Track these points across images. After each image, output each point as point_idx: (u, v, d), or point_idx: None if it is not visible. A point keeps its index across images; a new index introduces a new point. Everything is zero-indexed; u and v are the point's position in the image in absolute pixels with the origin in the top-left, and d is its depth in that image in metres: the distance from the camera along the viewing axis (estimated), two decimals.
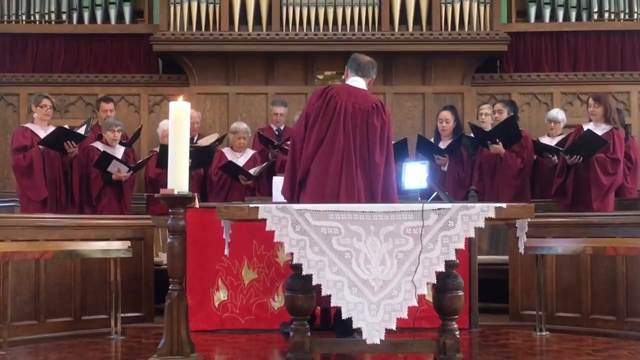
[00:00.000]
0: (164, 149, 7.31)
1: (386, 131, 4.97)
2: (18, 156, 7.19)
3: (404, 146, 7.56)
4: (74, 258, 5.54)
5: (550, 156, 7.50)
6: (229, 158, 7.81)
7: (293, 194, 4.97)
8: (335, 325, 5.00)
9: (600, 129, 6.99)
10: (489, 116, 7.97)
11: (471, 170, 7.64)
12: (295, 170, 4.99)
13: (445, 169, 7.55)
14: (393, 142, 7.59)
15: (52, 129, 7.23)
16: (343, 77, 5.32)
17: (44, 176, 7.16)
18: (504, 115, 7.60)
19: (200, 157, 7.39)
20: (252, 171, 7.62)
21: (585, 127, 7.11)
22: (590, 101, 7.12)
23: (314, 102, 5.00)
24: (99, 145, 7.47)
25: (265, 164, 7.77)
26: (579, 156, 6.88)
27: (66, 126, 7.34)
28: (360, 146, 4.91)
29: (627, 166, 7.50)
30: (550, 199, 7.21)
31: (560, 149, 7.27)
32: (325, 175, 4.87)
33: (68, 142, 7.10)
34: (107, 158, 7.24)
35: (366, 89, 5.09)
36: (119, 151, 7.49)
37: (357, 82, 5.07)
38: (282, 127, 8.41)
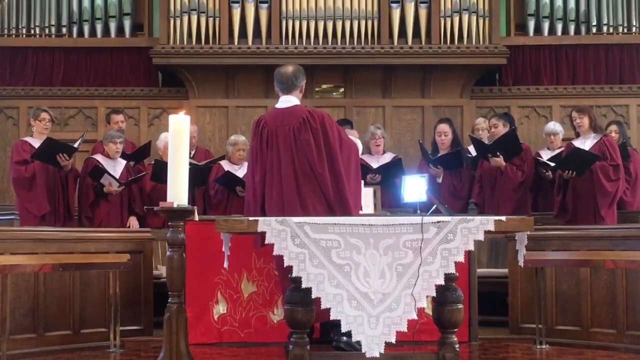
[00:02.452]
0: (158, 164, 7.33)
1: (321, 139, 4.91)
2: (20, 168, 7.19)
3: (399, 164, 7.58)
4: (73, 271, 5.53)
5: (544, 171, 7.53)
6: (227, 170, 7.79)
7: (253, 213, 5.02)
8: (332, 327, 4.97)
9: (590, 140, 7.14)
10: (484, 130, 7.98)
11: (468, 181, 7.64)
12: (251, 197, 5.09)
13: (440, 180, 7.55)
14: (389, 161, 7.69)
15: None
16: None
17: (45, 190, 7.16)
18: (500, 129, 7.63)
19: (195, 176, 7.37)
20: None
21: (575, 143, 7.20)
22: (574, 114, 7.29)
23: (252, 136, 5.10)
24: (99, 157, 7.48)
25: None
26: (572, 171, 6.96)
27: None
28: (301, 165, 4.91)
29: (626, 179, 7.54)
30: (551, 213, 7.23)
31: (552, 164, 7.31)
32: (275, 204, 4.91)
33: (60, 155, 7.10)
34: (100, 171, 7.25)
35: (298, 102, 5.10)
36: (120, 164, 7.49)
37: (285, 100, 5.10)
38: None
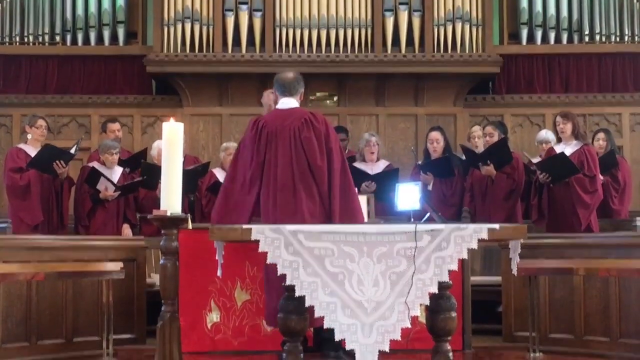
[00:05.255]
0: (147, 167, 7.30)
1: (323, 139, 4.93)
2: (14, 176, 7.16)
3: (395, 175, 7.55)
4: (65, 279, 5.51)
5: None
6: (220, 178, 7.78)
7: (222, 218, 4.95)
8: (322, 342, 4.97)
9: (571, 147, 7.08)
10: (481, 138, 7.99)
11: (459, 188, 7.63)
12: (228, 198, 5.00)
13: (430, 187, 7.55)
14: (386, 170, 7.67)
15: None
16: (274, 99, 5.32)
17: (40, 199, 7.13)
18: (495, 138, 7.63)
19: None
20: None
21: (556, 149, 7.17)
22: (558, 119, 7.21)
23: (248, 133, 5.04)
24: (95, 164, 7.46)
25: None
26: (548, 175, 6.93)
27: None
28: (299, 166, 4.90)
29: (614, 188, 7.54)
30: (532, 222, 7.21)
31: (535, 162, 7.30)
32: (269, 203, 4.89)
33: (58, 162, 7.08)
34: (96, 175, 7.23)
35: (297, 105, 5.12)
36: (117, 172, 7.48)
37: (286, 103, 5.10)
38: None
